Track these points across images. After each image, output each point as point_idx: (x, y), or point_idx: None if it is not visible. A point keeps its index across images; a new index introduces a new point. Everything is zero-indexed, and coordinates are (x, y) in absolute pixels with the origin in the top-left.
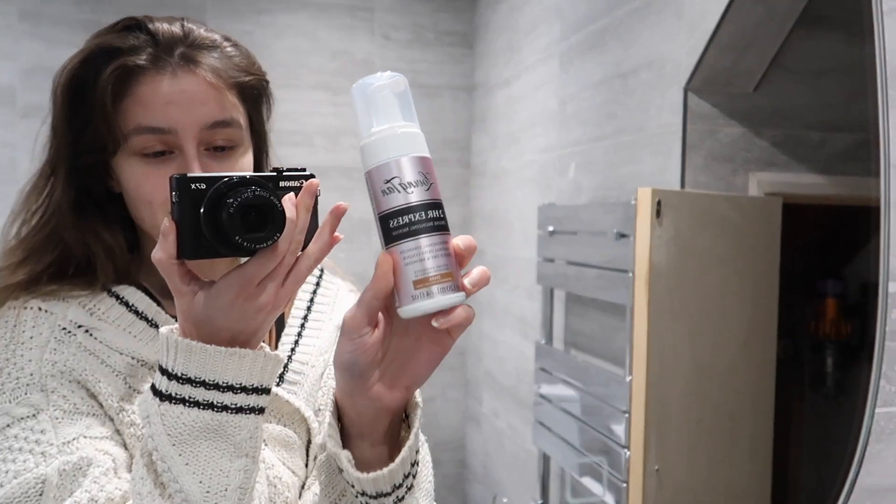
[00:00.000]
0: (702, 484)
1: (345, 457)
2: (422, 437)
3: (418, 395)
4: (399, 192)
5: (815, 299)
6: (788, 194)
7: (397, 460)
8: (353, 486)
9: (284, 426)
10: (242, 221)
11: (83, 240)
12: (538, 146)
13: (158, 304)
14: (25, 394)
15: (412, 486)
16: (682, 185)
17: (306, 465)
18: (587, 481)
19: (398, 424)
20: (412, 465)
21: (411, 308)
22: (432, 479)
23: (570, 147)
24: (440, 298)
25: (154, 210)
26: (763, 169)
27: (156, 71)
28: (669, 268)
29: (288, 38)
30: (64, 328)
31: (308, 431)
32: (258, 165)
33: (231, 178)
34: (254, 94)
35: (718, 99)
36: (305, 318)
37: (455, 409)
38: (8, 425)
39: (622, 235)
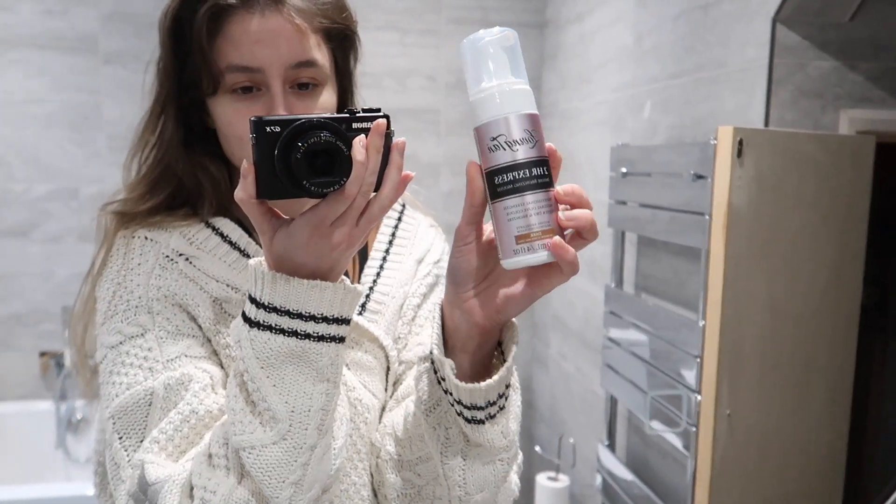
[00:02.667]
0: (775, 430)
1: (448, 364)
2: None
3: (516, 327)
4: (505, 149)
5: None
6: (883, 132)
7: (495, 378)
8: (450, 394)
9: (366, 352)
10: (310, 165)
11: (193, 172)
12: (611, 84)
13: (250, 235)
14: (135, 315)
15: (504, 407)
16: (766, 123)
17: (385, 390)
18: (655, 424)
19: (491, 350)
20: (506, 387)
21: (513, 261)
22: (520, 406)
23: (645, 85)
24: (541, 254)
25: (244, 146)
26: (855, 105)
27: (245, 10)
28: (749, 210)
29: None
30: (167, 256)
31: (387, 358)
32: (342, 106)
33: (302, 121)
34: (339, 35)
35: (809, 30)
36: (387, 250)
37: (521, 350)
38: (120, 342)
39: (699, 177)
